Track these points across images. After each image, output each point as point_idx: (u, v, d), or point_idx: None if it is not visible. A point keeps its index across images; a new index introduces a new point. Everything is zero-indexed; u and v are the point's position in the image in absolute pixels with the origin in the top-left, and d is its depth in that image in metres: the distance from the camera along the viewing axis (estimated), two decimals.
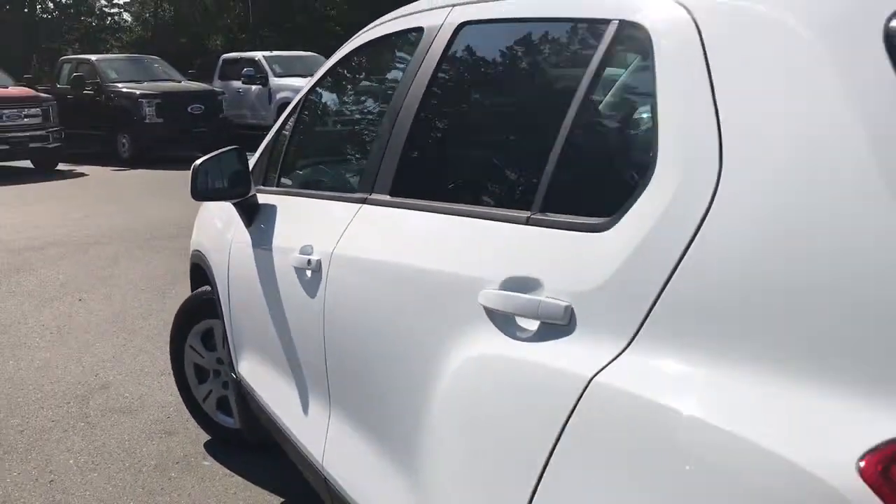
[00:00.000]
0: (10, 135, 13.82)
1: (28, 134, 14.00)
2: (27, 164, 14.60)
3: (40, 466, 3.49)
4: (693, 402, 1.08)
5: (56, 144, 14.42)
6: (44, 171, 14.35)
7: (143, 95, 15.05)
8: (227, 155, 2.82)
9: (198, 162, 2.80)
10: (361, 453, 2.02)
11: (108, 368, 4.66)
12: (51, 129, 14.29)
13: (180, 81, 16.61)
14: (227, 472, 3.42)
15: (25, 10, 32.54)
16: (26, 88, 14.90)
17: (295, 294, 2.38)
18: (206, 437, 3.71)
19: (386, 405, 1.87)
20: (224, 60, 18.52)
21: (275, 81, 16.50)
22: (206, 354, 3.62)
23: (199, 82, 17.20)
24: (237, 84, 17.04)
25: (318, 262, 2.21)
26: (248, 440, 3.40)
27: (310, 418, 2.38)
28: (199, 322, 3.59)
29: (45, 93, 15.10)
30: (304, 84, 3.11)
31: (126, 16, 37.71)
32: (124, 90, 15.36)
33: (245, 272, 2.84)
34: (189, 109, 15.32)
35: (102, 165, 14.91)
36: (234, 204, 2.90)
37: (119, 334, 5.25)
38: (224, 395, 3.59)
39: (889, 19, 1.05)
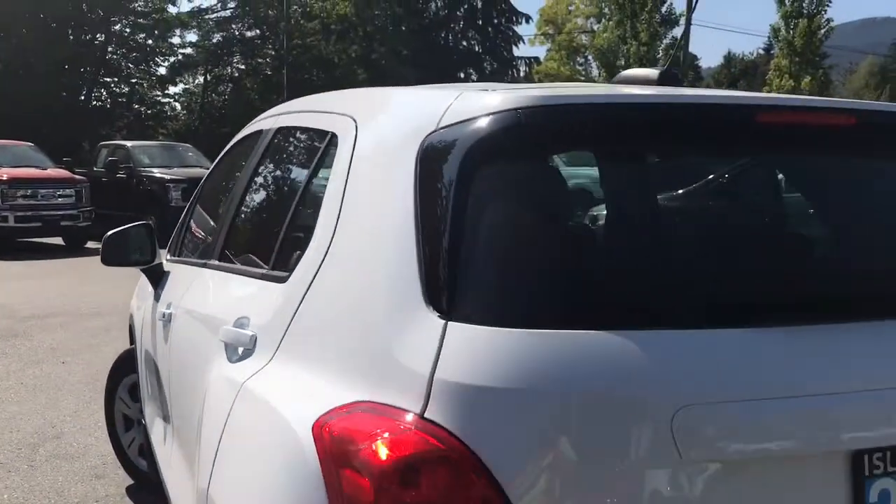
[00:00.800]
0: (43, 213, 14.77)
1: (60, 213, 14.93)
2: (59, 240, 15.52)
3: None
4: (268, 388, 1.57)
5: (86, 223, 15.32)
6: (73, 247, 15.21)
7: (171, 180, 15.94)
8: (136, 229, 3.36)
9: (109, 233, 3.34)
10: (179, 468, 2.47)
11: (66, 422, 5.15)
12: (82, 209, 15.21)
13: (209, 168, 17.50)
14: None
15: (82, 97, 34.43)
16: (63, 170, 15.94)
17: (160, 341, 2.87)
18: (130, 481, 4.15)
19: (186, 424, 2.34)
20: None
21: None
22: (131, 405, 4.10)
23: None
24: None
25: (171, 314, 2.71)
26: (153, 480, 3.84)
27: (166, 445, 2.84)
28: (127, 376, 4.08)
29: (80, 175, 16.12)
30: None
31: (176, 105, 39.64)
32: (154, 175, 16.29)
33: (147, 328, 3.34)
34: None
35: None
36: (142, 271, 3.42)
37: (87, 393, 5.75)
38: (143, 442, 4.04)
39: (425, 138, 1.53)
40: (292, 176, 2.34)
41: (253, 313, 1.87)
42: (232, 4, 40.49)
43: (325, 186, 1.84)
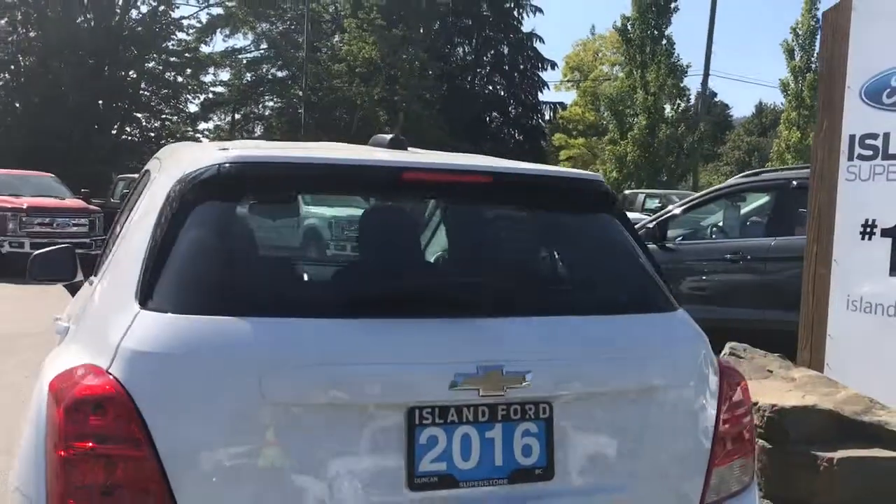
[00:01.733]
0: (58, 240, 15.55)
1: (74, 240, 15.72)
2: None
3: None
4: (48, 362, 2.09)
5: (98, 251, 16.09)
6: (84, 274, 15.98)
7: None
8: (59, 250, 3.94)
9: (35, 252, 3.92)
10: None
11: (6, 420, 5.74)
12: (95, 238, 16.01)
13: None
14: None
15: (114, 132, 35.69)
16: (79, 201, 16.83)
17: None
18: None
19: None
20: None
21: (305, 209, 18.12)
22: None
23: None
24: None
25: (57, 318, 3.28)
26: None
27: None
28: None
29: (97, 206, 17.01)
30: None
31: (204, 140, 40.85)
32: None
33: None
34: None
35: None
36: (64, 286, 4.00)
37: None
38: None
39: (178, 180, 2.09)
40: (130, 205, 2.92)
41: (73, 310, 2.43)
42: (264, 46, 41.96)
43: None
